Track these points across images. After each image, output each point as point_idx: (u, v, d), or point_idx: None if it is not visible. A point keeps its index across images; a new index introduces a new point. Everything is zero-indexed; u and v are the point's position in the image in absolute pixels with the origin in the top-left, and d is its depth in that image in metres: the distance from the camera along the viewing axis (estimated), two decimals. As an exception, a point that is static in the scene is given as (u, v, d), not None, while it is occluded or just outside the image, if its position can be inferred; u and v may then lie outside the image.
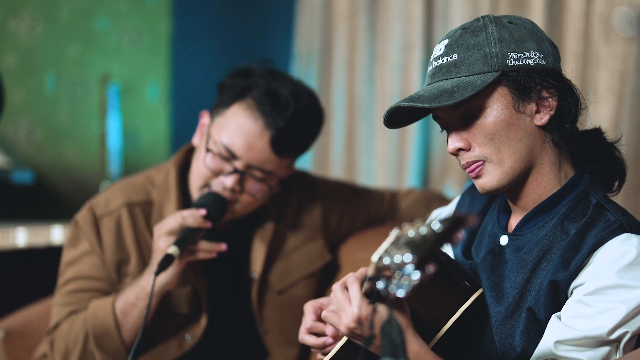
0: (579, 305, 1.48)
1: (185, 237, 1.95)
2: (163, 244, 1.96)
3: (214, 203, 2.02)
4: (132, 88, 4.09)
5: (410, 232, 1.26)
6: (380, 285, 1.26)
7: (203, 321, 2.13)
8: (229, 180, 2.02)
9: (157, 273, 1.90)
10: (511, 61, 1.54)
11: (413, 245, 1.23)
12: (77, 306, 2.09)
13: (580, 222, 1.55)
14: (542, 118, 1.57)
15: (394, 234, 1.30)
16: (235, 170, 2.02)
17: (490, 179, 1.58)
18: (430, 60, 1.62)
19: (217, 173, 2.04)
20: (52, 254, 2.72)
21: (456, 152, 1.60)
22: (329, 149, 3.74)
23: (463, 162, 1.60)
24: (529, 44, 1.56)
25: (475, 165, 1.58)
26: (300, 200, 2.27)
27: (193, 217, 1.97)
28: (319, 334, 1.74)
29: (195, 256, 2.00)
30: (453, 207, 1.90)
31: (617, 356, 1.47)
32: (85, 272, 2.11)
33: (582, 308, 1.48)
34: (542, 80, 1.56)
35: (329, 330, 1.72)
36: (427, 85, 1.60)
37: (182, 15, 4.18)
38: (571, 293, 1.52)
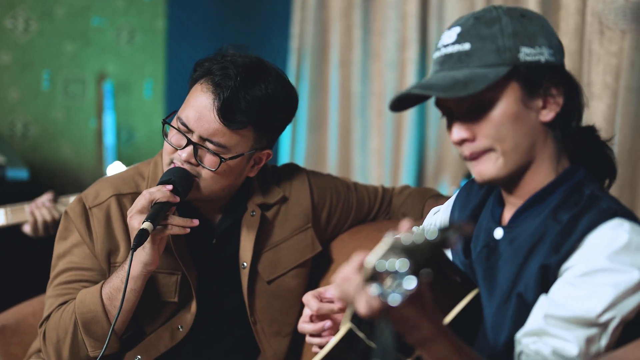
0: (567, 287, 1.48)
1: (156, 212, 1.97)
2: (136, 222, 1.98)
3: (180, 177, 2.04)
4: (128, 85, 4.10)
5: (407, 238, 1.23)
6: (374, 290, 1.24)
7: (193, 308, 2.14)
8: (184, 153, 2.04)
9: (134, 248, 1.93)
10: (523, 56, 1.54)
11: (410, 251, 1.21)
12: (69, 297, 2.10)
13: (573, 211, 1.55)
14: (548, 114, 1.57)
15: (389, 238, 1.26)
16: (189, 142, 2.03)
17: (490, 168, 1.58)
18: (439, 46, 1.61)
19: (177, 148, 2.07)
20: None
21: (460, 142, 1.59)
22: (324, 146, 3.75)
23: (467, 153, 1.59)
24: (541, 39, 1.56)
25: (482, 157, 1.58)
26: (290, 191, 2.27)
27: (160, 191, 1.99)
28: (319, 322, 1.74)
29: (170, 231, 2.02)
30: (450, 205, 1.90)
31: (604, 340, 1.46)
32: (76, 263, 2.12)
33: (571, 290, 1.47)
34: (551, 77, 1.56)
35: (337, 305, 1.71)
36: (436, 72, 1.59)
37: (177, 12, 4.19)
38: (560, 275, 1.51)
